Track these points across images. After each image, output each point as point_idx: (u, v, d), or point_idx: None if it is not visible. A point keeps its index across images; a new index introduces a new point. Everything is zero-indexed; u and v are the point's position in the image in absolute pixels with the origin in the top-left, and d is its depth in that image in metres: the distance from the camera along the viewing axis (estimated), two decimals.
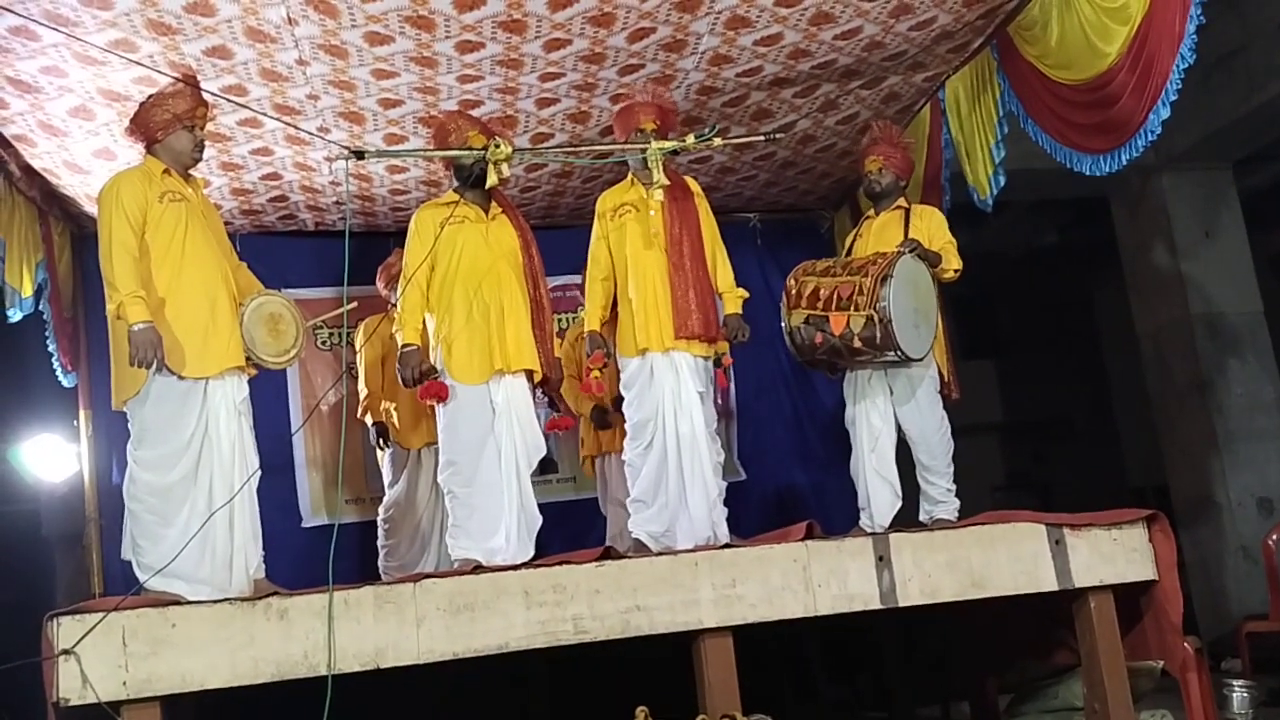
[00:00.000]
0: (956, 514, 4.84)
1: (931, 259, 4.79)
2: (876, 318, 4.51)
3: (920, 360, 4.71)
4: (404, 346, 4.35)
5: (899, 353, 4.57)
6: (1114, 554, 4.08)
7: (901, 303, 4.54)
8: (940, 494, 4.88)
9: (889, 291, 4.50)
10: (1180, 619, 4.09)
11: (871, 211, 5.20)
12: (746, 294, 4.70)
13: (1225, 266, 7.93)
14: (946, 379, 5.03)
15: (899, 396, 4.89)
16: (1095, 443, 12.16)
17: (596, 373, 4.67)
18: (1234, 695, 4.80)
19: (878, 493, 4.94)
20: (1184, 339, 7.91)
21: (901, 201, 5.09)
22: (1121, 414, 11.58)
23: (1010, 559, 4.03)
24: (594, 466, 5.92)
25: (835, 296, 4.67)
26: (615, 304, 4.71)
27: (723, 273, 4.67)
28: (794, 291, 4.83)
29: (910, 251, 4.70)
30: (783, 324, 4.87)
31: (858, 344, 4.59)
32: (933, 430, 4.86)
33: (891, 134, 5.16)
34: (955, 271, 4.89)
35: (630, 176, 4.71)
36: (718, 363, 4.62)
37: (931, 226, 4.95)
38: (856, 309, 4.57)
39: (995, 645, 4.87)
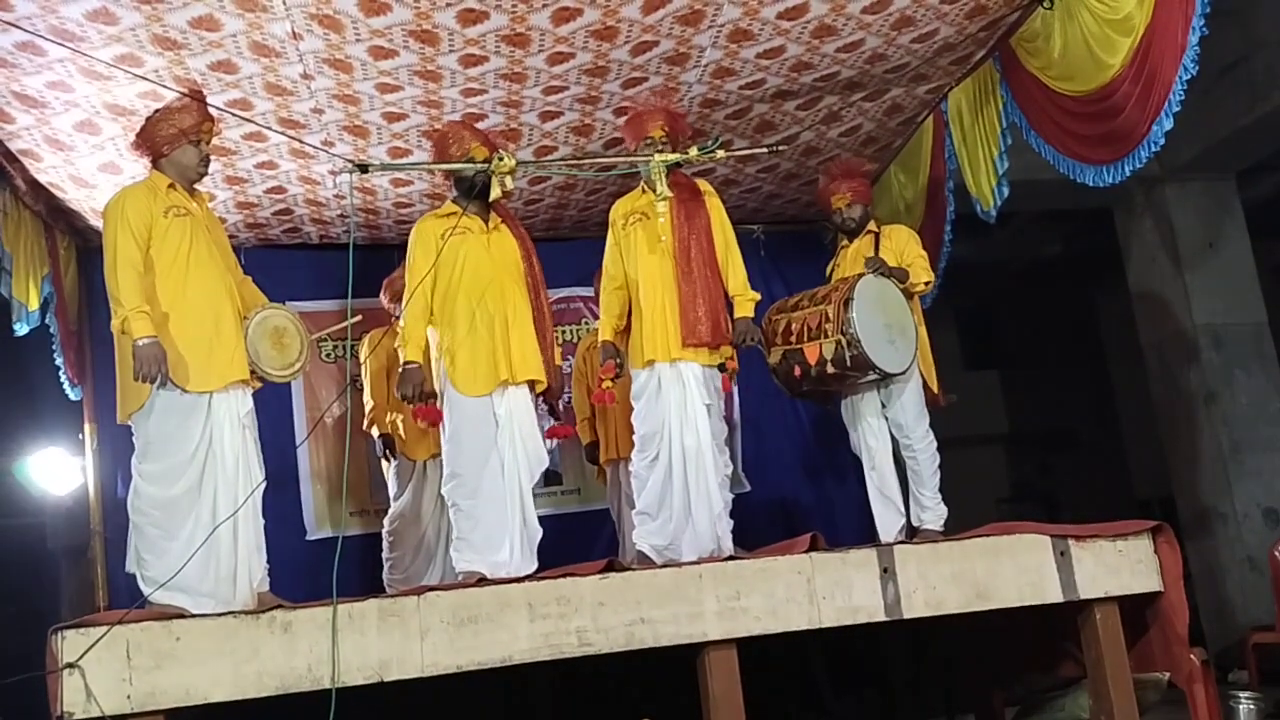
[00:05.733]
0: (943, 522, 4.92)
1: (899, 275, 4.90)
2: (845, 341, 4.64)
3: (903, 374, 4.82)
4: (406, 364, 4.34)
5: (876, 371, 4.69)
6: (1119, 565, 4.08)
7: (869, 321, 4.65)
8: (928, 501, 4.94)
9: (853, 313, 4.62)
10: (1186, 630, 4.08)
11: (845, 241, 5.31)
12: (758, 297, 4.70)
13: (1229, 277, 7.94)
14: (935, 391, 5.08)
15: (887, 403, 4.99)
16: (1100, 454, 12.13)
17: (608, 383, 4.67)
18: (1240, 707, 4.79)
19: (880, 512, 5.04)
20: (1188, 350, 7.90)
21: (872, 226, 5.21)
22: (1127, 425, 11.56)
23: (1015, 570, 4.03)
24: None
25: (805, 328, 4.81)
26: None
27: (735, 275, 4.65)
28: (768, 331, 4.96)
29: (873, 271, 4.82)
30: (767, 364, 5.01)
31: (834, 369, 4.72)
32: (918, 435, 4.94)
33: (850, 167, 5.28)
34: (926, 284, 5.04)
35: (641, 184, 4.73)
36: (722, 369, 4.63)
37: (900, 243, 5.09)
38: (826, 336, 4.70)
39: (1001, 657, 4.86)
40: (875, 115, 5.76)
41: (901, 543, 4.43)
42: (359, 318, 4.79)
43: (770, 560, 3.89)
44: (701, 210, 4.62)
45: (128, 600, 4.36)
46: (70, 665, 3.21)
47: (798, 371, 4.84)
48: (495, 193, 4.25)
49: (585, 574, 3.71)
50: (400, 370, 4.38)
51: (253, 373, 4.06)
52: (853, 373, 4.71)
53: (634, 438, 4.65)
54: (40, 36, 4.12)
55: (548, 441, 4.71)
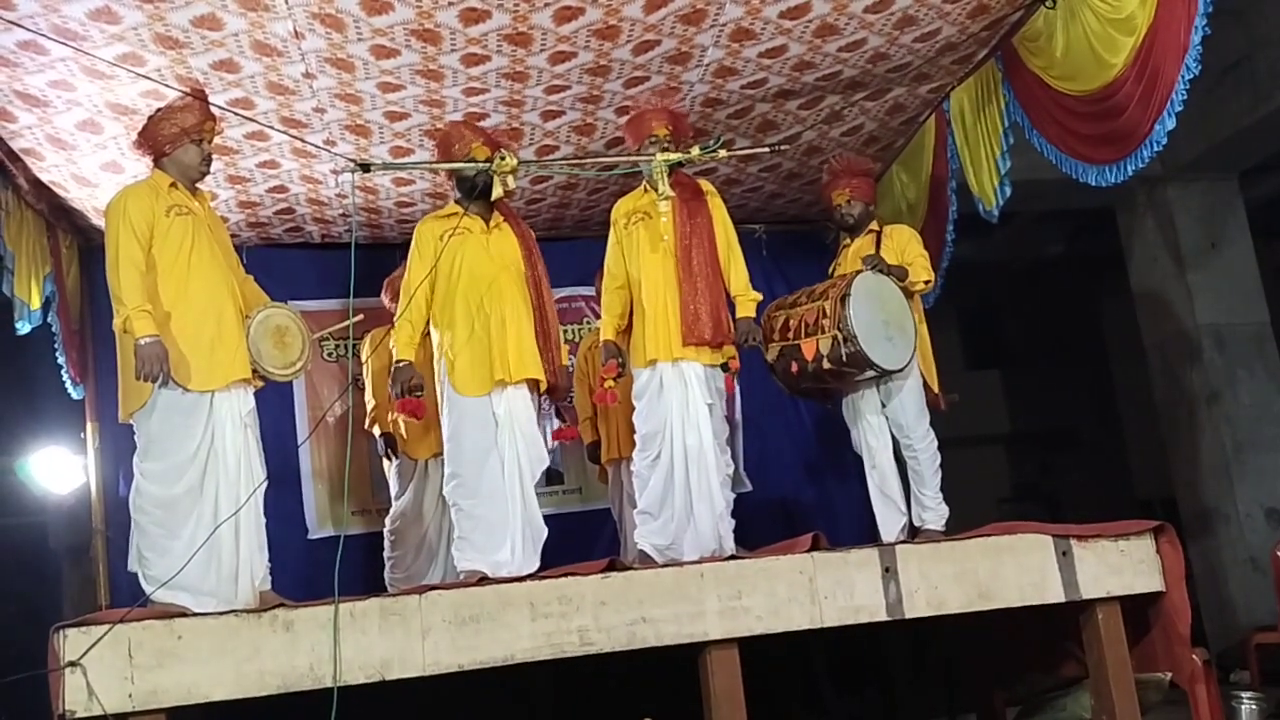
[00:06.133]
0: (944, 522, 4.91)
1: (898, 273, 4.88)
2: (842, 337, 4.62)
3: (900, 371, 4.79)
4: (396, 362, 4.35)
5: (874, 368, 4.67)
6: (1121, 565, 4.08)
7: (866, 318, 4.64)
8: (930, 501, 4.94)
9: (850, 309, 4.61)
10: (1188, 630, 4.08)
11: (847, 240, 5.30)
12: (760, 297, 4.71)
13: (1232, 277, 7.93)
14: (935, 391, 5.07)
15: (886, 401, 4.98)
16: (1102, 454, 12.12)
17: (610, 382, 4.68)
18: (1242, 707, 4.78)
19: (882, 511, 5.03)
20: (1191, 350, 7.90)
21: (873, 225, 5.19)
22: (1129, 425, 11.55)
23: (1017, 570, 4.02)
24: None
25: (802, 324, 4.80)
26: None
27: (736, 275, 4.65)
28: (767, 327, 4.95)
29: (871, 267, 4.80)
30: (765, 361, 5.00)
31: (831, 366, 4.70)
32: (918, 435, 4.93)
33: (852, 165, 5.26)
34: (925, 283, 5.01)
35: (643, 184, 4.73)
36: (725, 368, 4.63)
37: (901, 242, 5.07)
38: (823, 332, 4.69)
39: (1002, 657, 4.86)
40: (877, 115, 5.76)
41: (903, 542, 4.43)
42: (360, 317, 4.81)
43: (772, 560, 3.89)
44: (703, 210, 4.62)
45: (129, 599, 4.36)
46: (72, 664, 3.21)
47: (795, 368, 4.83)
48: (497, 192, 4.25)
49: (587, 573, 3.72)
50: (392, 368, 4.39)
51: (254, 372, 4.07)
52: (849, 369, 4.69)
53: (635, 437, 4.65)
54: (42, 35, 4.12)
55: (551, 442, 4.72)
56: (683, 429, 4.48)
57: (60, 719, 3.22)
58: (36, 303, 5.31)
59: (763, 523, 6.18)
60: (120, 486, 5.80)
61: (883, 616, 3.88)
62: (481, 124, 5.05)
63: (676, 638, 3.68)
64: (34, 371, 6.76)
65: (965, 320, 12.36)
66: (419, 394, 4.36)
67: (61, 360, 5.79)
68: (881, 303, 4.73)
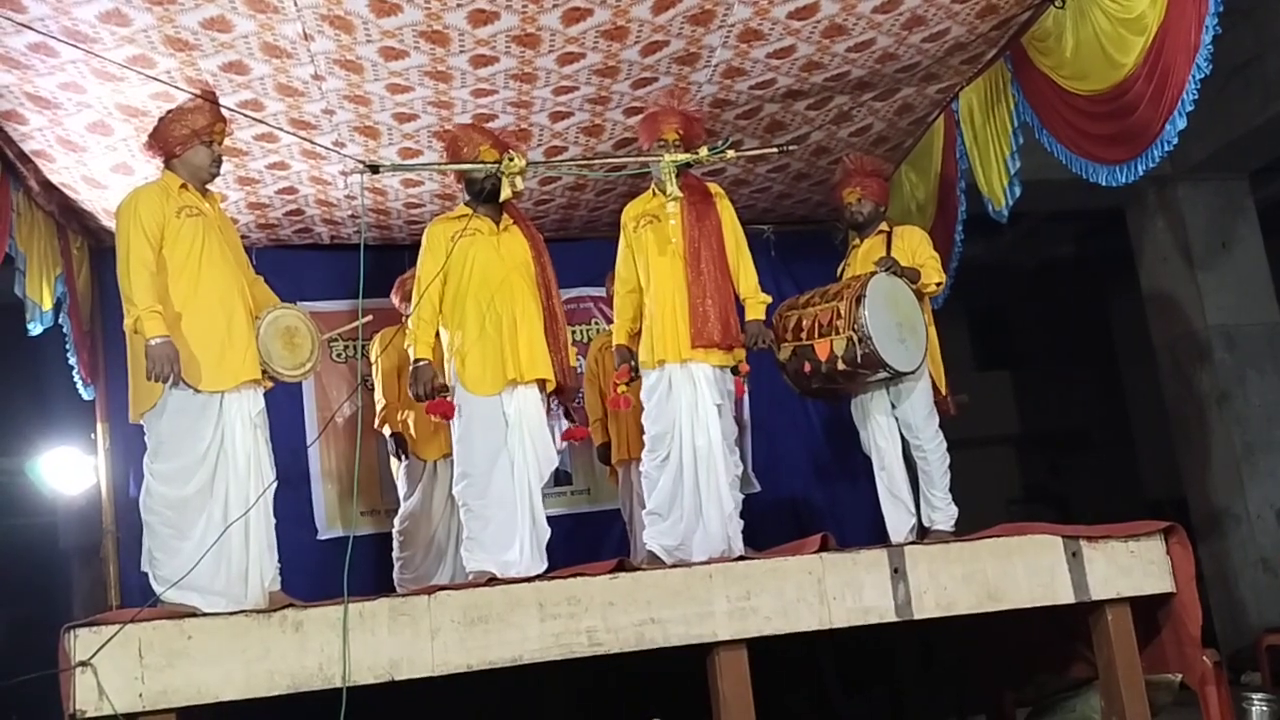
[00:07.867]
0: (953, 523, 4.91)
1: (910, 275, 4.88)
2: (857, 338, 4.62)
3: (913, 374, 4.79)
4: (416, 362, 4.36)
5: (887, 369, 4.67)
6: (1131, 566, 4.07)
7: (880, 319, 4.64)
8: (939, 502, 4.94)
9: (865, 310, 4.61)
10: (1199, 632, 4.07)
11: (857, 240, 5.29)
12: (769, 299, 4.71)
13: (1242, 277, 7.91)
14: (944, 394, 5.07)
15: (896, 402, 4.98)
16: (1112, 455, 12.09)
17: (623, 386, 4.68)
18: (1253, 708, 4.78)
19: (891, 512, 5.03)
20: (1201, 350, 7.87)
21: (883, 225, 5.18)
22: (1139, 426, 11.52)
23: (1027, 571, 4.01)
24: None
25: (816, 324, 4.80)
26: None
27: (745, 278, 4.66)
28: (779, 327, 4.95)
29: (885, 270, 4.80)
30: (777, 360, 4.99)
31: (845, 366, 4.70)
32: (927, 435, 4.92)
33: (865, 164, 5.25)
34: (937, 285, 5.00)
35: (652, 187, 4.73)
36: (735, 370, 4.63)
37: (912, 244, 5.06)
38: (837, 333, 4.69)
39: (1012, 658, 4.85)
40: (886, 115, 5.75)
41: (912, 543, 4.43)
42: (369, 318, 4.82)
43: (781, 560, 3.88)
44: (712, 212, 4.62)
45: (140, 599, 4.38)
46: (83, 664, 3.22)
47: (808, 368, 4.83)
48: (505, 193, 4.26)
49: (595, 574, 3.71)
50: (411, 369, 4.39)
51: (264, 372, 4.07)
52: (863, 370, 4.70)
53: (645, 438, 4.66)
54: (53, 38, 4.14)
55: (560, 442, 4.71)
56: (692, 430, 4.48)
57: (71, 719, 3.23)
58: (48, 304, 5.34)
59: (771, 524, 6.18)
60: (130, 487, 5.82)
61: (891, 618, 3.87)
62: (490, 125, 5.06)
63: (685, 638, 3.68)
64: (45, 372, 6.79)
65: (974, 321, 12.34)
66: (444, 394, 4.36)
67: (72, 361, 5.81)
68: (895, 305, 4.73)
